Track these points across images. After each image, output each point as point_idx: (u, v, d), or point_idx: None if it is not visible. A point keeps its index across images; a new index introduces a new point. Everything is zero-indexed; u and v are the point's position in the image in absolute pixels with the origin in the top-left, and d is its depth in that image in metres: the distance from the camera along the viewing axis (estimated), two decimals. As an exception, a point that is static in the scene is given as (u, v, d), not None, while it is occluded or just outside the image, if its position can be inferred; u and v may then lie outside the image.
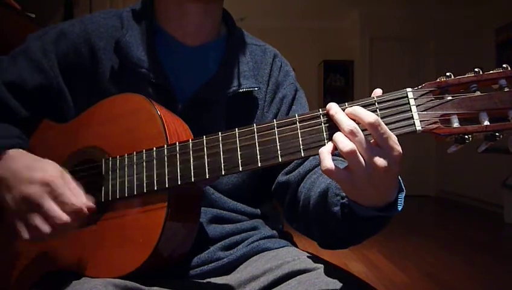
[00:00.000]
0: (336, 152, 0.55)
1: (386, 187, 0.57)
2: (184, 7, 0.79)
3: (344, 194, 0.63)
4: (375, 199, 0.58)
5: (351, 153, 0.53)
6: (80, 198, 0.63)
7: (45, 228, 0.62)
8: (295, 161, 0.79)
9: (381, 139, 0.53)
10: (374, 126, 0.53)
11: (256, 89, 0.81)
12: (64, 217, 0.62)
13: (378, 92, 0.58)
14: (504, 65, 0.52)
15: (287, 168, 0.81)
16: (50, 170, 0.65)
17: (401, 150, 0.54)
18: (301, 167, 0.79)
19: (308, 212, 0.73)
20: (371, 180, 0.54)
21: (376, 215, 0.61)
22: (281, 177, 0.81)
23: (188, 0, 0.78)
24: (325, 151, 0.55)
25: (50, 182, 0.63)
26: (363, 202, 0.59)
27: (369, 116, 0.53)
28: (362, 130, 0.54)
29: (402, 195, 0.61)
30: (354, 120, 0.55)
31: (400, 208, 0.60)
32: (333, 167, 0.54)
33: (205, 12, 0.81)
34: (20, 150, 0.71)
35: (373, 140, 0.54)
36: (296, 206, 0.77)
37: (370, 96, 0.58)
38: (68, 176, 0.66)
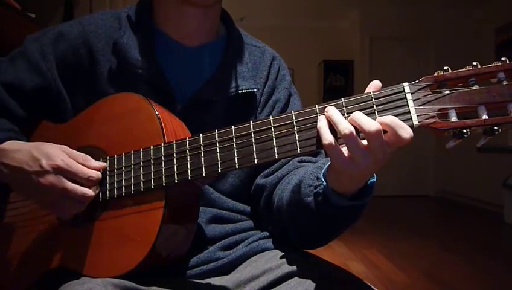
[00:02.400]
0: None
1: (367, 176, 0.59)
2: (183, 9, 0.79)
3: (318, 183, 0.64)
4: (352, 186, 0.60)
5: (349, 136, 0.53)
6: (89, 163, 0.68)
7: (77, 207, 0.67)
8: (275, 165, 0.80)
9: (379, 149, 0.53)
10: (372, 135, 0.53)
11: (255, 90, 0.81)
12: (89, 192, 0.66)
13: (376, 83, 0.57)
14: (502, 58, 0.51)
15: (265, 171, 0.81)
16: (54, 154, 0.67)
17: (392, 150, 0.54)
18: (279, 170, 0.79)
19: (282, 211, 0.72)
20: (368, 165, 0.55)
21: (350, 204, 0.61)
22: (259, 180, 0.81)
23: (187, 3, 0.78)
24: (324, 126, 0.55)
25: (61, 166, 0.66)
26: (340, 188, 0.60)
27: (369, 126, 0.53)
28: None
29: (373, 179, 0.62)
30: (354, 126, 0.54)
31: (369, 197, 0.62)
32: (334, 140, 0.54)
33: (204, 14, 0.81)
34: (16, 141, 0.72)
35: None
36: (271, 208, 0.77)
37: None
38: (69, 150, 0.69)
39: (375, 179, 0.62)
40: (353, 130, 0.53)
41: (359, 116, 0.53)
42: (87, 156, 0.69)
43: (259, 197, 0.81)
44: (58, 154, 0.67)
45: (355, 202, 0.61)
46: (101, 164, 0.69)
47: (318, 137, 0.56)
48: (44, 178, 0.66)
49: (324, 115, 0.56)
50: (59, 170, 0.66)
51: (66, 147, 0.69)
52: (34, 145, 0.70)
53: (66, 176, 0.66)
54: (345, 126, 0.53)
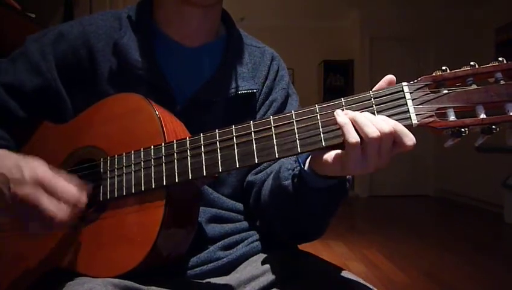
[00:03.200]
0: None
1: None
2: (183, 9, 0.79)
3: (295, 165, 0.65)
4: (337, 176, 0.61)
5: (376, 140, 0.54)
6: (71, 191, 0.62)
7: (42, 229, 0.61)
8: (267, 162, 0.80)
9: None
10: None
11: (255, 91, 0.82)
12: (60, 216, 0.60)
13: (389, 78, 0.58)
14: (500, 58, 0.52)
15: (257, 168, 0.81)
16: (38, 167, 0.63)
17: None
18: (269, 167, 0.80)
19: (267, 203, 0.73)
20: (376, 164, 0.56)
21: (327, 185, 0.63)
22: (250, 177, 0.81)
23: (187, 3, 0.78)
24: (349, 123, 0.55)
25: (41, 179, 0.61)
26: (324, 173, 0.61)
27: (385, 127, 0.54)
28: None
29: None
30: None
31: (347, 184, 0.64)
32: (359, 140, 0.54)
33: (204, 14, 0.81)
34: (4, 149, 0.69)
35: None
36: (259, 204, 0.77)
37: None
38: (56, 171, 0.64)
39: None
40: (379, 133, 0.53)
41: (371, 118, 0.55)
42: (71, 186, 0.63)
43: (249, 194, 0.81)
44: (43, 167, 0.63)
45: (331, 182, 0.63)
46: (87, 186, 0.64)
47: (320, 136, 0.57)
48: (21, 187, 0.61)
49: (341, 110, 0.57)
50: (38, 183, 0.61)
51: (43, 168, 0.64)
52: (22, 156, 0.66)
53: (44, 190, 0.61)
54: (373, 129, 0.54)
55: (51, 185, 0.61)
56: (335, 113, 0.56)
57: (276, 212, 0.72)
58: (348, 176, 0.65)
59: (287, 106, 0.86)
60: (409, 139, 0.53)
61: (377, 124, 0.54)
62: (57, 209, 0.60)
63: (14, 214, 0.63)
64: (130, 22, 0.81)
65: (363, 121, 0.54)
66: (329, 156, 0.59)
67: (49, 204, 0.60)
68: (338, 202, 0.66)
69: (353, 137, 0.54)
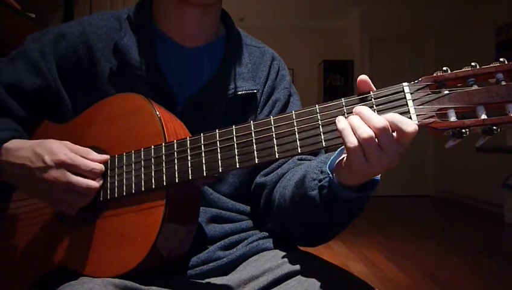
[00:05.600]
0: None
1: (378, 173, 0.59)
2: (182, 10, 0.79)
3: (322, 177, 0.64)
4: (360, 181, 0.60)
5: (369, 140, 0.53)
6: (91, 156, 0.69)
7: (83, 200, 0.68)
8: (275, 163, 0.80)
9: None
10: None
11: (255, 91, 0.81)
12: (93, 183, 0.67)
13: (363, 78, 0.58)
14: (501, 59, 0.52)
15: (265, 170, 0.81)
16: (56, 149, 0.68)
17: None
18: (279, 169, 0.79)
19: (284, 208, 0.72)
20: (383, 166, 0.55)
21: (356, 196, 0.62)
22: (259, 179, 0.81)
23: (186, 3, 0.78)
24: (348, 128, 0.55)
25: (64, 161, 0.67)
26: (349, 183, 0.60)
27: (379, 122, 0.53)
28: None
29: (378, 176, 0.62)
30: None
31: (373, 190, 0.63)
32: (358, 143, 0.54)
33: (204, 14, 0.81)
34: (17, 139, 0.72)
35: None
36: (272, 206, 0.77)
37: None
38: (71, 145, 0.70)
39: (379, 175, 0.63)
40: (373, 134, 0.53)
41: (368, 117, 0.54)
42: (90, 149, 0.70)
43: (259, 196, 0.81)
44: (61, 149, 0.68)
45: (361, 194, 0.62)
46: (104, 156, 0.70)
47: (320, 136, 0.57)
48: (48, 173, 0.67)
49: (343, 116, 0.56)
50: (62, 164, 0.66)
51: (68, 142, 0.70)
52: (36, 142, 0.70)
53: (69, 169, 0.67)
54: (364, 130, 0.53)
55: (73, 164, 0.67)
56: (336, 120, 0.56)
57: (297, 220, 0.71)
58: (376, 178, 0.63)
59: (289, 105, 0.86)
60: (408, 125, 0.52)
61: (370, 121, 0.53)
62: (86, 182, 0.67)
63: (51, 198, 0.69)
64: (130, 22, 0.81)
65: (355, 124, 0.54)
66: (345, 163, 0.59)
67: (79, 179, 0.67)
68: (361, 209, 0.65)
69: (350, 142, 0.54)
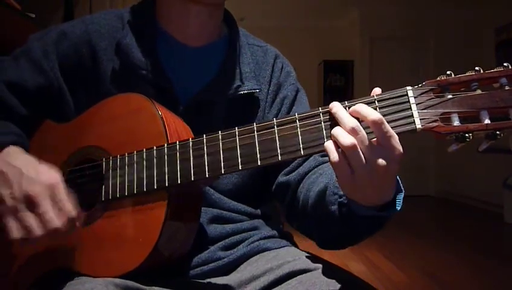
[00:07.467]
0: None
1: (385, 187, 0.57)
2: (187, 9, 0.79)
3: (342, 193, 0.63)
4: (374, 199, 0.59)
5: (352, 147, 0.53)
6: (75, 208, 0.63)
7: (37, 230, 0.60)
8: (296, 161, 0.80)
9: (384, 137, 0.53)
10: (377, 124, 0.53)
11: (257, 90, 0.81)
12: (58, 222, 0.61)
13: (377, 90, 0.58)
14: (505, 64, 0.52)
15: (287, 169, 0.81)
16: (54, 175, 0.64)
17: (401, 150, 0.54)
18: (301, 167, 0.79)
19: (307, 211, 0.73)
20: (371, 179, 0.55)
21: (374, 214, 0.61)
22: (281, 178, 0.81)
23: (192, 3, 0.78)
24: (331, 145, 0.55)
25: (55, 186, 0.62)
26: (362, 201, 0.59)
27: (373, 114, 0.53)
28: (364, 128, 0.54)
29: (401, 195, 0.62)
30: (356, 118, 0.55)
31: (398, 208, 0.61)
32: (338, 159, 0.54)
33: (209, 13, 0.81)
34: (20, 148, 0.71)
35: (375, 138, 0.54)
36: (296, 206, 0.77)
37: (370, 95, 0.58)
38: (60, 186, 0.64)
39: (403, 193, 0.62)
40: (355, 142, 0.53)
41: (363, 108, 0.54)
42: (75, 203, 0.64)
43: (284, 195, 0.80)
44: (58, 178, 0.64)
45: (377, 213, 0.61)
46: (81, 216, 0.64)
47: (323, 139, 0.57)
48: (32, 186, 0.62)
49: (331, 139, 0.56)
50: (50, 188, 0.62)
51: (59, 178, 0.64)
52: (39, 160, 0.67)
53: (51, 196, 0.62)
54: (345, 139, 0.54)
55: (60, 194, 0.62)
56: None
57: (318, 228, 0.72)
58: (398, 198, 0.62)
59: (297, 101, 0.86)
60: (372, 114, 0.53)
61: (345, 125, 0.54)
62: (56, 216, 0.61)
63: (12, 209, 0.62)
64: (132, 21, 0.81)
65: (335, 133, 0.55)
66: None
67: (50, 208, 0.61)
68: (383, 225, 0.65)
69: (333, 157, 0.55)
